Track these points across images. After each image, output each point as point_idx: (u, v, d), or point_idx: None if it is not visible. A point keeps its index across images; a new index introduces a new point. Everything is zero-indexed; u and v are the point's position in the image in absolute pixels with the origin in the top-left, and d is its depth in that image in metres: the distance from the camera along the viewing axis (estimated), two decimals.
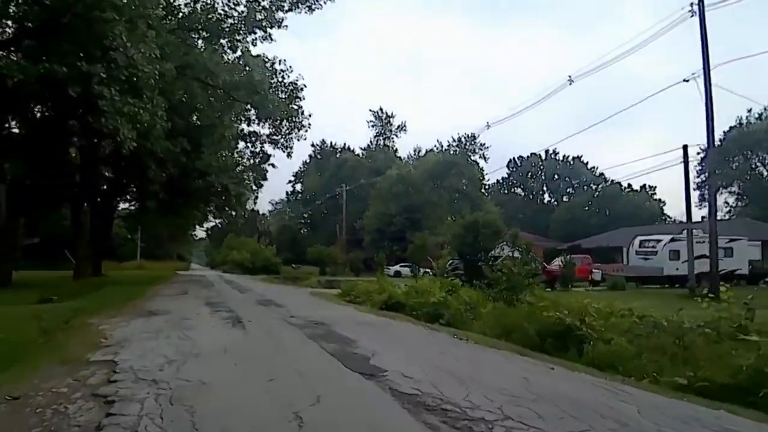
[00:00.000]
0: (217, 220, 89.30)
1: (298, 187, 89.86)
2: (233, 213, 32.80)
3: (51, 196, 28.82)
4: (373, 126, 73.72)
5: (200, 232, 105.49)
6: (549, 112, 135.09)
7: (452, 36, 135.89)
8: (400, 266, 51.42)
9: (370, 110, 77.98)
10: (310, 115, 24.83)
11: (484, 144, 58.09)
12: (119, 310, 12.69)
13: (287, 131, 25.48)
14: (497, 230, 24.82)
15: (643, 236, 32.04)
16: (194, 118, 27.49)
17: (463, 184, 57.75)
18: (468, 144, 57.08)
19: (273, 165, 35.43)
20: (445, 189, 56.94)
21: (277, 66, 24.34)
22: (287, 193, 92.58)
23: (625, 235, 40.91)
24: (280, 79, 23.16)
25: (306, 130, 24.55)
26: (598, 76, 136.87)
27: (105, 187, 31.97)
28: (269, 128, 27.59)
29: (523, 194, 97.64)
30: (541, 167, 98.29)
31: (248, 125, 34.04)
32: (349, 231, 62.01)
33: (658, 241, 30.24)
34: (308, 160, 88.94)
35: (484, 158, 58.16)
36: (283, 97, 23.46)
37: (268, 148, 35.32)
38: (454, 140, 57.52)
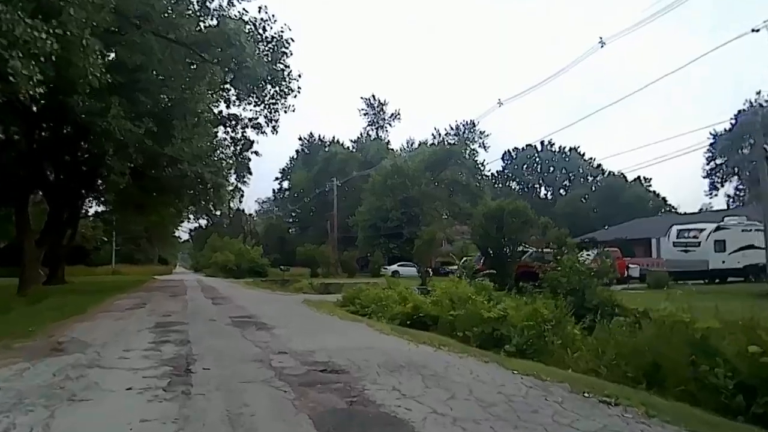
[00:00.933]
0: (198, 219, 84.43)
1: (285, 184, 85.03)
2: (212, 208, 28.02)
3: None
4: (365, 114, 69.28)
5: (184, 234, 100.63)
6: (542, 102, 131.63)
7: (446, 21, 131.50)
8: (399, 265, 47.08)
9: (362, 98, 73.53)
10: (299, 76, 20.16)
11: (484, 132, 54.05)
12: (21, 341, 8.12)
13: (272, 99, 20.81)
14: (527, 220, 20.46)
15: (681, 225, 27.92)
16: (163, 96, 22.82)
17: (462, 176, 53.48)
18: (467, 132, 52.95)
19: (257, 153, 30.81)
20: (443, 181, 52.62)
21: (255, 14, 19.15)
22: (274, 191, 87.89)
23: (648, 226, 36.96)
24: (260, 32, 18.42)
25: (295, 96, 19.96)
26: (594, 65, 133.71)
27: (60, 177, 27.02)
28: (253, 106, 22.93)
29: (518, 188, 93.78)
30: (537, 159, 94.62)
31: (227, 107, 29.38)
32: (340, 228, 57.41)
33: (701, 230, 26.14)
34: (295, 156, 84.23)
35: (484, 147, 54.13)
36: (266, 52, 18.77)
37: (251, 134, 30.68)
38: (451, 128, 53.46)
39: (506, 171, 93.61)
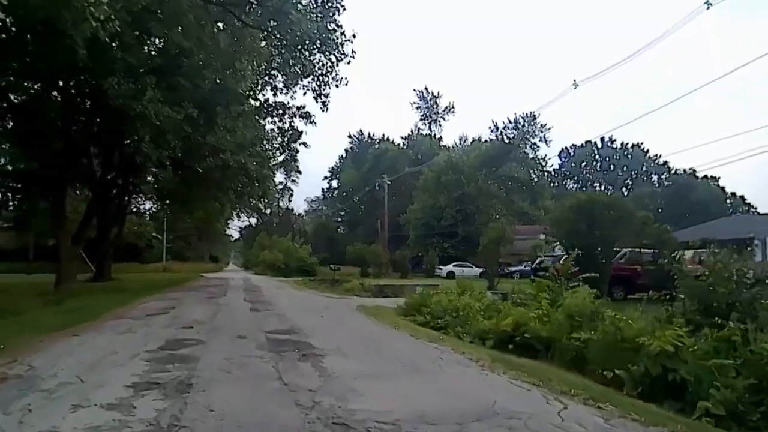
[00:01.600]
0: (245, 216, 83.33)
1: (335, 183, 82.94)
2: (257, 201, 25.57)
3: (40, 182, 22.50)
4: (417, 108, 65.78)
5: (235, 233, 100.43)
6: (601, 97, 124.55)
7: (498, 10, 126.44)
8: (454, 266, 43.71)
9: (414, 90, 70.22)
10: (353, 37, 17.04)
11: (545, 125, 49.74)
12: None
13: (321, 68, 17.94)
14: (624, 214, 16.74)
15: None
16: (205, 82, 20.48)
17: (521, 172, 49.51)
18: (527, 125, 48.89)
19: (305, 144, 28.21)
20: (501, 178, 48.78)
21: None
22: (323, 189, 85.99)
23: (743, 226, 32.02)
24: None
25: (349, 62, 16.96)
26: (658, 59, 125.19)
27: (99, 170, 25.24)
28: (300, 79, 20.11)
29: (576, 186, 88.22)
30: (596, 157, 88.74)
31: (274, 94, 26.92)
32: (391, 227, 54.50)
33: None
34: (344, 155, 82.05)
35: (545, 141, 49.81)
36: (313, 7, 15.86)
37: (299, 124, 28.13)
38: (510, 121, 49.48)
39: (563, 169, 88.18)
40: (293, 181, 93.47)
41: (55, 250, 32.83)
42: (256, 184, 23.51)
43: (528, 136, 49.13)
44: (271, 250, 53.91)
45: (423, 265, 52.32)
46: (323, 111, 19.38)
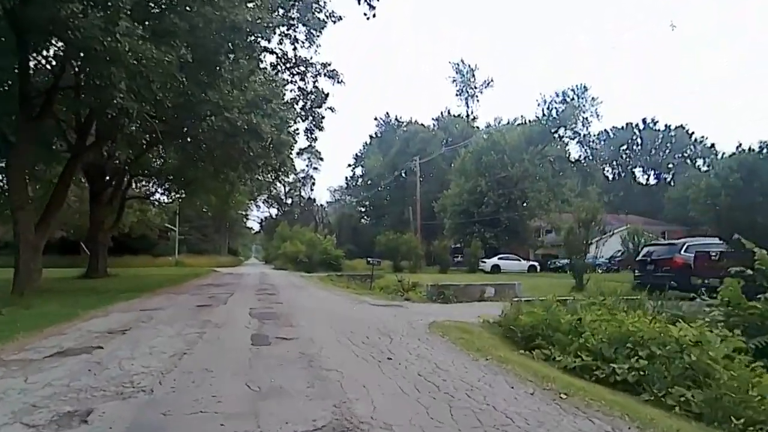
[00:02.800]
0: (264, 205, 77.91)
1: (359, 171, 77.25)
2: (274, 175, 20.06)
3: None
4: (453, 82, 59.52)
5: (255, 225, 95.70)
6: (641, 77, 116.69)
7: None
8: (499, 258, 37.87)
9: (450, 62, 63.73)
10: None
11: (596, 98, 43.33)
12: None
13: None
14: None
15: None
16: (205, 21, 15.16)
17: (569, 150, 43.40)
18: (578, 98, 42.61)
19: (332, 109, 22.65)
20: (547, 157, 42.62)
21: None
22: (346, 178, 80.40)
23: None
24: None
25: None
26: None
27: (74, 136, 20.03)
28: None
29: (612, 171, 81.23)
30: (638, 140, 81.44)
31: (294, 48, 21.43)
32: (422, 216, 48.83)
33: None
34: (369, 141, 76.31)
35: (597, 116, 43.46)
36: None
37: (325, 84, 22.61)
38: (556, 95, 43.25)
39: (601, 152, 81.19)
40: (315, 168, 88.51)
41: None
42: (271, 152, 18.02)
43: (578, 111, 42.85)
44: (292, 242, 48.65)
45: (460, 257, 46.60)
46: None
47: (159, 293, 16.02)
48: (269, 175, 22.59)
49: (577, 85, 43.10)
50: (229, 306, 11.85)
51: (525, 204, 41.37)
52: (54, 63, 17.40)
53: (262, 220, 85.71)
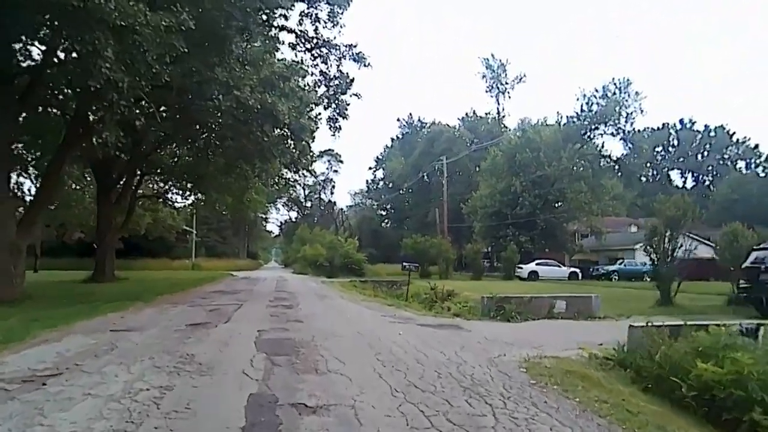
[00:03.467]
0: (283, 208, 75.28)
1: (380, 174, 74.30)
2: (292, 167, 17.16)
3: None
4: (483, 77, 56.06)
5: (275, 228, 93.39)
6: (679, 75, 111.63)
7: None
8: (537, 264, 34.52)
9: (480, 57, 60.13)
10: None
11: (640, 93, 39.62)
12: None
13: None
14: None
15: None
16: None
17: (610, 148, 39.89)
18: (621, 92, 39.05)
19: (357, 95, 19.73)
20: (586, 156, 39.12)
21: None
22: (367, 181, 77.62)
23: None
24: None
25: None
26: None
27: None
28: None
29: (646, 174, 76.85)
30: (674, 141, 77.01)
31: (315, 29, 18.64)
32: (448, 219, 45.69)
33: None
34: (390, 144, 73.42)
35: (641, 111, 39.79)
36: None
37: (350, 68, 19.79)
38: (596, 91, 39.72)
39: (633, 154, 76.86)
40: (335, 171, 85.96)
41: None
42: (289, 138, 15.17)
43: (620, 107, 39.31)
44: (312, 245, 45.96)
45: (490, 262, 43.32)
46: None
47: (155, 303, 13.26)
48: (287, 168, 19.69)
49: (619, 79, 39.53)
50: (231, 326, 8.94)
51: (559, 205, 37.90)
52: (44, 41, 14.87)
53: (281, 223, 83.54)
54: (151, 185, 31.96)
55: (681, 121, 73.74)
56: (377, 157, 73.68)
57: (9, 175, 14.95)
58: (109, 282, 23.52)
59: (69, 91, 14.98)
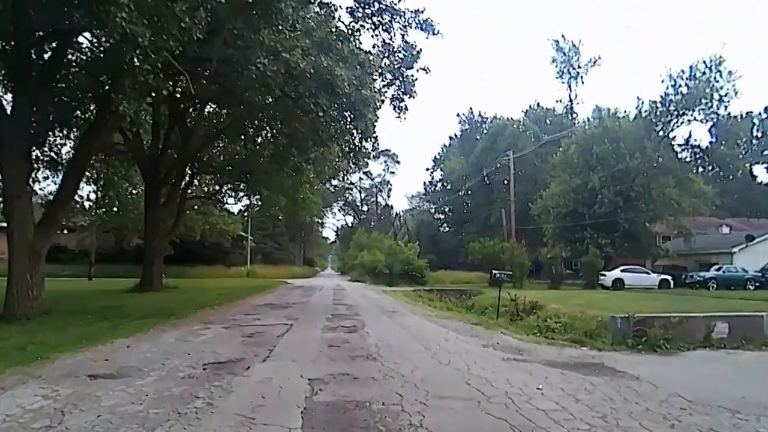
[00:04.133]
0: (340, 212, 72.53)
1: (438, 175, 70.54)
2: (354, 148, 13.94)
3: None
4: (553, 62, 51.24)
5: (331, 234, 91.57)
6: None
7: None
8: (622, 271, 29.98)
9: (549, 39, 54.92)
10: None
11: (733, 72, 34.11)
12: None
13: None
14: None
15: None
16: None
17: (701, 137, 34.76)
18: (713, 71, 33.75)
19: (425, 69, 16.50)
20: (672, 147, 34.16)
21: None
22: (424, 184, 74.03)
23: None
24: None
25: None
26: None
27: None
28: None
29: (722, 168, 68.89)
30: (756, 132, 68.83)
31: None
32: (515, 220, 41.56)
33: None
34: (449, 143, 69.59)
35: (735, 93, 34.25)
36: None
37: (417, 37, 16.66)
38: (682, 72, 34.43)
39: (714, 146, 69.30)
40: (392, 172, 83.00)
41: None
42: (349, 115, 12.09)
43: (712, 88, 34.07)
44: (370, 251, 43.06)
45: (563, 268, 38.73)
46: None
47: (187, 321, 10.58)
48: (347, 158, 16.59)
49: (710, 57, 34.24)
50: (269, 368, 5.86)
51: (641, 204, 32.90)
52: None
53: (337, 228, 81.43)
54: (204, 187, 29.97)
55: (766, 109, 65.69)
56: (435, 157, 70.11)
57: (31, 166, 12.69)
58: (155, 291, 21.43)
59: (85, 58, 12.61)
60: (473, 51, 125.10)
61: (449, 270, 45.23)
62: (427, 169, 74.02)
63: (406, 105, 16.26)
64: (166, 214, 24.06)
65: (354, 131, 12.84)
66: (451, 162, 63.75)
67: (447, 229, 69.81)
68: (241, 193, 27.53)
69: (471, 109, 64.64)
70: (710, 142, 37.74)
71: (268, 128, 15.58)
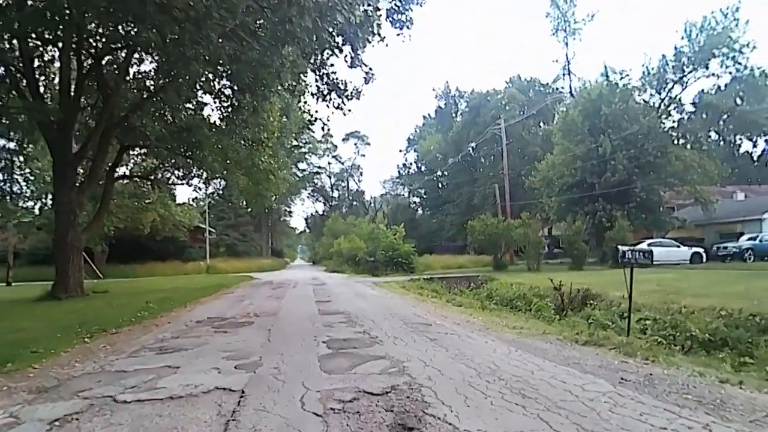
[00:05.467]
0: (306, 195, 65.73)
1: (412, 157, 64.90)
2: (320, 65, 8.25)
3: None
4: (546, 16, 44.91)
5: (299, 223, 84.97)
6: None
7: None
8: (649, 244, 25.20)
9: None
10: None
11: (748, 22, 29.66)
12: None
13: None
14: None
15: None
16: None
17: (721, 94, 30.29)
18: (727, 18, 29.25)
19: None
20: (687, 106, 29.62)
21: None
22: (398, 166, 68.48)
23: None
24: None
25: None
26: None
27: None
28: None
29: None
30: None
31: None
32: (506, 197, 36.46)
33: None
34: (422, 123, 63.99)
35: (753, 47, 29.94)
36: None
37: None
38: (692, 26, 29.69)
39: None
40: (362, 155, 76.94)
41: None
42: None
43: (728, 39, 29.67)
44: (348, 237, 37.21)
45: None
46: None
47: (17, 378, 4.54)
48: (325, 83, 10.83)
49: (726, 6, 29.66)
50: None
51: (653, 169, 28.20)
52: None
53: (307, 217, 74.88)
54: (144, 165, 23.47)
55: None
56: (409, 138, 64.56)
57: None
58: (72, 298, 15.15)
59: None
60: (446, 26, 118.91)
61: (432, 255, 39.93)
62: (401, 151, 68.76)
63: (410, 18, 10.53)
64: (83, 199, 17.53)
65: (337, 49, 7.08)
66: (426, 141, 58.31)
67: (422, 212, 64.66)
68: (185, 171, 21.11)
69: (447, 83, 59.31)
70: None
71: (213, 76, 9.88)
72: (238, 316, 9.40)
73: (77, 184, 16.93)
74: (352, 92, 11.70)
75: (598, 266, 24.32)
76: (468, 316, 9.68)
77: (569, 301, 14.20)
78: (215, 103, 14.48)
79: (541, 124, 46.56)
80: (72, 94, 16.42)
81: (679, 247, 25.29)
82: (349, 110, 11.90)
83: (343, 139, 66.87)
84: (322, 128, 12.92)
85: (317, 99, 11.55)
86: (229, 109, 13.80)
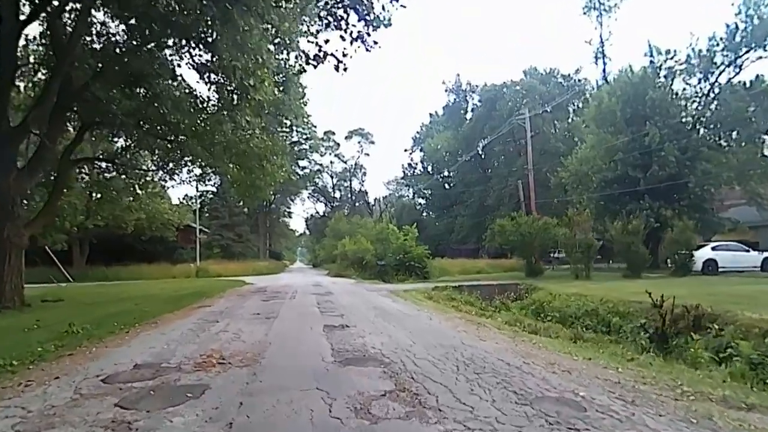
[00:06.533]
0: (307, 195, 61.35)
1: (418, 156, 60.80)
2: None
3: None
4: None
5: (298, 224, 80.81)
6: None
7: None
8: (713, 249, 21.32)
9: None
10: None
11: None
12: None
13: None
14: None
15: None
16: None
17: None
18: None
19: None
20: (738, 92, 25.68)
21: None
22: (403, 167, 64.31)
23: None
24: None
25: None
26: None
27: None
28: None
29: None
30: None
31: None
32: (530, 195, 32.42)
33: None
34: (429, 120, 59.93)
35: None
36: None
37: None
38: (743, 5, 25.86)
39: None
40: (366, 154, 72.44)
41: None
42: None
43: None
44: (353, 239, 33.10)
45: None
46: None
47: None
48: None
49: None
50: None
51: (707, 162, 24.09)
52: None
53: (307, 218, 70.60)
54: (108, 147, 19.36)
55: None
56: (415, 137, 60.45)
57: None
58: (5, 310, 11.23)
59: None
60: (454, 17, 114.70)
61: (444, 258, 35.77)
62: (405, 150, 64.55)
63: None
64: (27, 185, 13.41)
65: None
66: (433, 140, 54.22)
67: (428, 214, 60.54)
68: (162, 155, 17.00)
69: (458, 76, 55.23)
70: None
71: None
72: (185, 368, 5.21)
73: (19, 167, 12.94)
74: (378, 17, 7.71)
75: (655, 273, 20.19)
76: (580, 360, 5.61)
77: (671, 323, 10.20)
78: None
79: (562, 118, 42.55)
80: (7, 45, 12.39)
81: (748, 251, 21.22)
82: (376, 43, 7.89)
83: (346, 137, 62.87)
84: (336, 68, 9.07)
85: (326, 26, 7.64)
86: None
